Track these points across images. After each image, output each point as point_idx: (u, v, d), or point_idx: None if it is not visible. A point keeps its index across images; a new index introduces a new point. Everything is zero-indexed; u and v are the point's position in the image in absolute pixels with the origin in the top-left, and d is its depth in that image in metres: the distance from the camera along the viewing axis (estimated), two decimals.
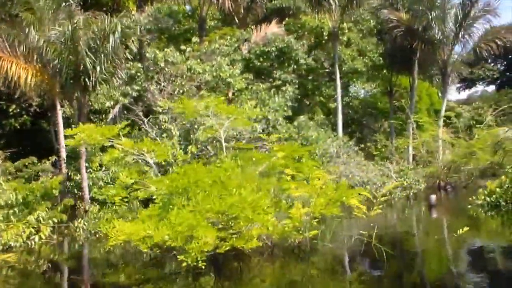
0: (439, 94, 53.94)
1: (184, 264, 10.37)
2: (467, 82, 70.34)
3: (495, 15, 33.85)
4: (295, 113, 34.11)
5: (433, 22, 33.87)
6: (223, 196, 11.05)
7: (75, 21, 22.33)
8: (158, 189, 12.90)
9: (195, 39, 29.95)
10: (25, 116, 32.25)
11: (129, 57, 25.93)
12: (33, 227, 15.79)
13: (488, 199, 20.96)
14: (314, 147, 27.37)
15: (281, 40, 31.52)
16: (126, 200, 17.19)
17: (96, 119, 28.69)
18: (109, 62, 23.58)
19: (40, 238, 15.94)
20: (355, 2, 33.54)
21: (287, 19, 36.48)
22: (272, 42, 31.45)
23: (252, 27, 33.02)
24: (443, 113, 36.00)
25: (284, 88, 31.05)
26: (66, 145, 21.84)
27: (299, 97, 34.19)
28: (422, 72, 40.81)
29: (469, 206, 21.29)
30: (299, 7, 37.51)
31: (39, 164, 23.34)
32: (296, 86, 32.77)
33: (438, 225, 20.52)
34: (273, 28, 32.52)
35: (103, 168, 23.07)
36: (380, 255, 12.42)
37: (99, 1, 36.35)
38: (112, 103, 27.95)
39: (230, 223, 10.85)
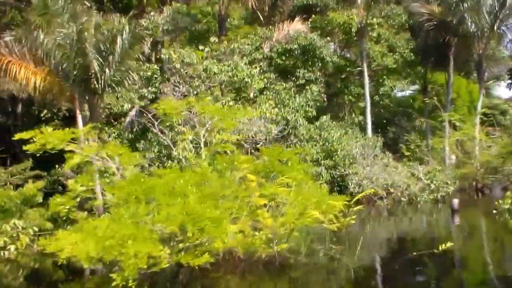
0: (483, 91, 52.03)
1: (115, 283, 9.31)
2: None
3: None
4: (323, 113, 32.97)
5: (466, 14, 31.97)
6: (171, 206, 10.09)
7: (82, 21, 21.80)
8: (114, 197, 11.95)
9: (213, 38, 29.12)
10: (56, 120, 32.25)
11: (141, 58, 25.30)
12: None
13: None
14: (334, 147, 26.28)
15: (303, 38, 30.33)
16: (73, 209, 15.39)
17: (117, 123, 28.34)
18: (118, 64, 22.95)
19: (17, 248, 15.31)
20: None
21: (313, 16, 35.27)
22: (295, 39, 30.29)
23: (276, 25, 31.92)
24: (479, 110, 34.05)
25: (308, 88, 29.96)
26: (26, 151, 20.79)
27: (325, 96, 33.03)
28: (459, 68, 38.98)
29: (495, 211, 19.70)
30: (327, 3, 36.29)
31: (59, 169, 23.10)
32: (322, 85, 31.59)
33: (437, 236, 18.85)
34: (297, 25, 31.35)
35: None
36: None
37: (128, 4, 36.30)
38: (129, 106, 27.46)
39: (179, 236, 9.86)
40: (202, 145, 15.96)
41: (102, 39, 22.53)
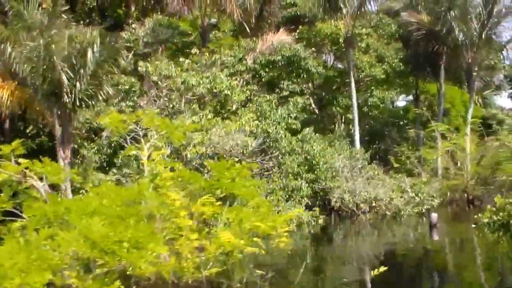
0: (480, 101, 51.19)
1: None
2: None
3: None
4: (311, 125, 32.36)
5: (454, 23, 31.34)
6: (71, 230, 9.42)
7: (51, 34, 21.32)
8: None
9: (194, 50, 28.63)
10: (43, 136, 31.81)
11: (116, 72, 24.78)
12: None
13: (494, 217, 18.50)
14: (315, 160, 25.60)
15: (288, 49, 29.80)
16: None
17: (97, 138, 27.81)
18: (90, 77, 22.43)
19: None
20: (367, 6, 31.51)
21: (300, 27, 34.80)
22: (279, 51, 29.76)
23: (260, 36, 31.40)
24: (470, 120, 33.33)
25: (291, 99, 29.37)
26: None
27: (316, 108, 32.50)
28: (452, 77, 38.31)
29: (473, 226, 18.94)
30: (316, 14, 35.74)
31: None
32: (308, 96, 31.00)
33: (402, 255, 17.92)
34: (281, 36, 30.84)
35: None
36: None
37: (117, 17, 36.05)
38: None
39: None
40: (145, 159, 15.23)
41: (74, 52, 22.09)
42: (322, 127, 34.44)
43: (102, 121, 18.34)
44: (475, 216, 19.31)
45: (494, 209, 18.89)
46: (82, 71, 21.89)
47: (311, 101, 36.25)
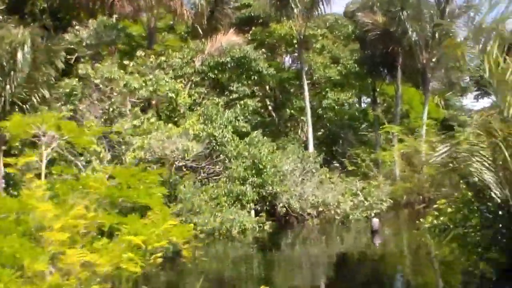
0: (442, 103, 50.93)
1: None
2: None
3: (477, 12, 30.45)
4: (263, 128, 31.70)
5: (408, 23, 30.88)
6: None
7: None
8: None
9: (140, 52, 27.67)
10: None
11: (52, 75, 23.74)
12: None
13: (435, 221, 17.79)
14: (262, 164, 24.82)
15: (237, 50, 29.05)
16: None
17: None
18: (22, 80, 21.42)
19: None
20: (319, 7, 30.83)
21: (253, 28, 34.10)
22: (228, 52, 28.98)
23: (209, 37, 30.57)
24: (425, 121, 32.89)
25: (239, 102, 28.63)
26: None
27: (272, 110, 31.81)
28: (410, 79, 37.88)
29: (415, 231, 18.28)
30: (270, 15, 35.03)
31: None
32: (259, 99, 30.24)
33: (328, 264, 17.11)
34: (231, 37, 30.03)
35: None
36: None
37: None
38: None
39: None
40: (43, 165, 14.31)
41: (3, 53, 21.06)
42: (277, 130, 33.74)
43: (2, 126, 17.02)
44: (417, 221, 18.65)
45: (436, 213, 18.24)
46: (12, 73, 20.98)
47: (268, 103, 35.56)
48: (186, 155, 22.79)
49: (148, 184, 12.04)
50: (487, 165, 10.48)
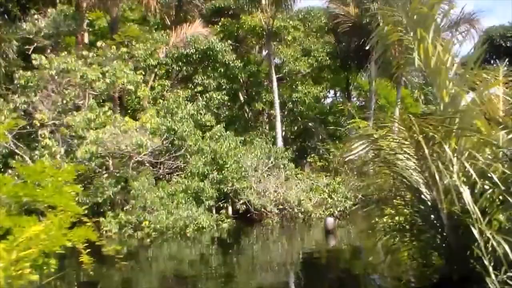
0: (422, 98, 50.10)
1: None
2: None
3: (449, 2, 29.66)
4: (232, 122, 30.93)
5: (379, 15, 29.95)
6: None
7: None
8: None
9: (99, 43, 26.66)
10: None
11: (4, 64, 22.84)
12: None
13: (390, 221, 16.98)
14: (223, 160, 24.01)
15: (202, 41, 28.14)
16: None
17: None
18: None
19: None
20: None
21: (222, 19, 33.16)
22: (192, 43, 28.07)
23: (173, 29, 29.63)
24: (396, 115, 32.02)
25: (207, 95, 27.78)
26: None
27: (229, 104, 30.90)
28: (386, 73, 37.01)
29: (369, 232, 17.41)
30: (241, 6, 34.06)
31: None
32: (224, 92, 29.33)
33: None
34: (197, 29, 29.08)
35: None
36: None
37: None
38: (3, 118, 24.86)
39: None
40: None
41: None
42: (247, 124, 32.88)
43: None
44: (372, 221, 17.82)
45: (392, 212, 17.43)
46: None
47: (240, 96, 34.64)
48: (141, 150, 21.92)
49: (59, 182, 11.13)
50: (412, 164, 9.71)
